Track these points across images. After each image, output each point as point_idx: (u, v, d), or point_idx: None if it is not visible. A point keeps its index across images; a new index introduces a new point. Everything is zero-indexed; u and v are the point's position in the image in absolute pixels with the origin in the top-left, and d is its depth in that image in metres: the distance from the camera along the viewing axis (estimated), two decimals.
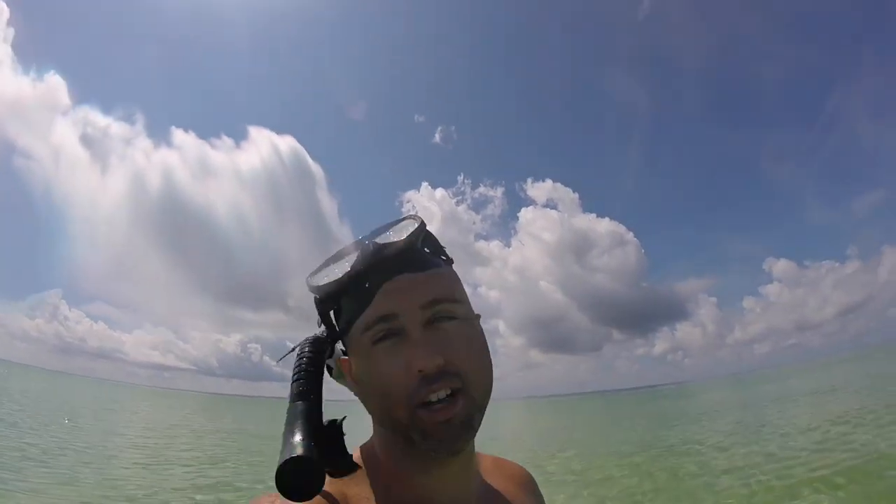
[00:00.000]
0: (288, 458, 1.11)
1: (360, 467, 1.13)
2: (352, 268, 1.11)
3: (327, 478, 1.12)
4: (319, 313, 1.12)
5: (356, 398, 1.14)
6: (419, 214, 1.11)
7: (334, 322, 1.13)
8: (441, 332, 1.11)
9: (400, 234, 1.11)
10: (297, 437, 1.12)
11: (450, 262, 1.13)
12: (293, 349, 1.13)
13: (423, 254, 1.11)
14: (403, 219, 1.11)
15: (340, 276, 1.11)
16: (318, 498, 1.12)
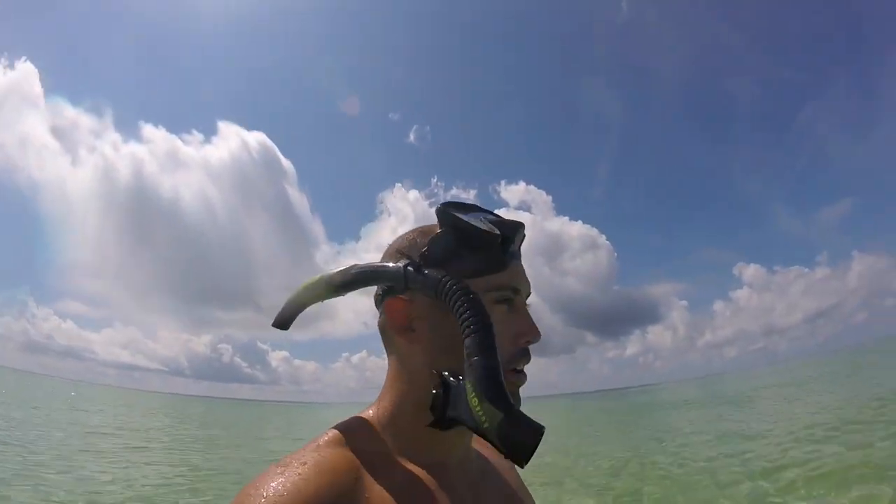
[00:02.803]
0: (541, 429, 1.21)
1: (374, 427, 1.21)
2: (505, 231, 1.22)
3: (335, 449, 1.20)
4: (448, 249, 1.21)
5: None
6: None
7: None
8: None
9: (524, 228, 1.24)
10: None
11: None
12: (402, 267, 1.21)
13: None
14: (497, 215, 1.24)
15: (495, 232, 1.22)
16: (332, 457, 1.19)
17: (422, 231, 1.22)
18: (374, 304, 1.23)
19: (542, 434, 1.20)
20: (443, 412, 1.19)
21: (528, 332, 1.22)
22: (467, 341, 1.20)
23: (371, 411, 1.20)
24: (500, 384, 1.21)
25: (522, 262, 1.23)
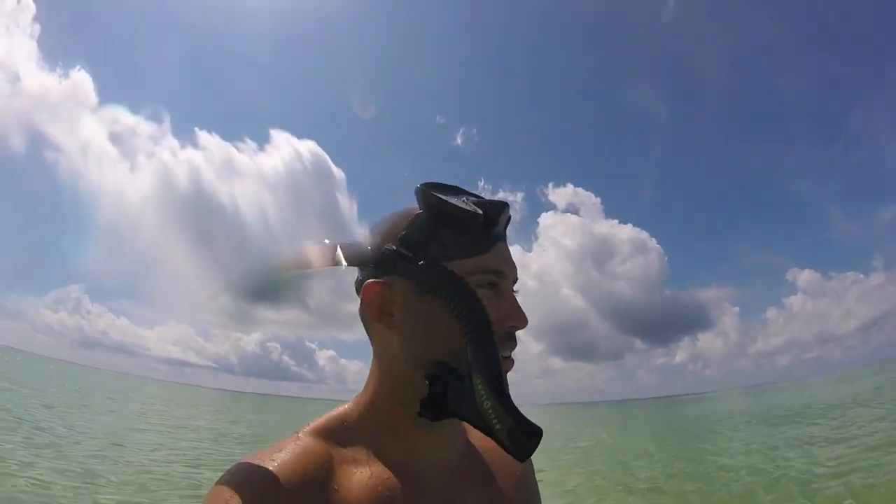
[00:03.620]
0: (541, 431, 1.13)
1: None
2: (488, 212, 1.13)
3: (312, 440, 1.12)
4: (427, 230, 1.13)
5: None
6: None
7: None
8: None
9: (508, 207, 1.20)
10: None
11: None
12: (379, 253, 1.13)
13: None
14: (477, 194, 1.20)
15: (477, 211, 1.11)
16: (308, 448, 1.11)
17: (403, 214, 1.17)
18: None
19: (541, 436, 1.13)
20: (441, 406, 1.12)
21: (514, 318, 1.15)
22: (471, 345, 1.12)
23: (352, 403, 1.20)
24: (508, 394, 1.13)
25: (508, 244, 1.20)
